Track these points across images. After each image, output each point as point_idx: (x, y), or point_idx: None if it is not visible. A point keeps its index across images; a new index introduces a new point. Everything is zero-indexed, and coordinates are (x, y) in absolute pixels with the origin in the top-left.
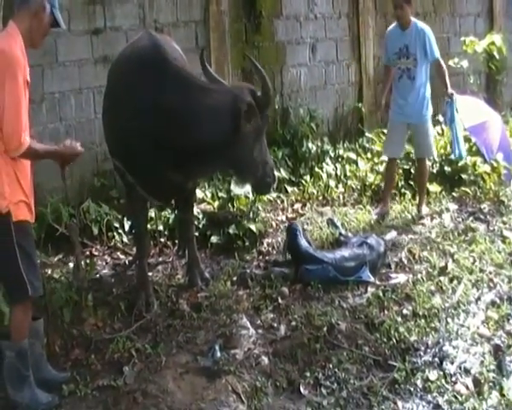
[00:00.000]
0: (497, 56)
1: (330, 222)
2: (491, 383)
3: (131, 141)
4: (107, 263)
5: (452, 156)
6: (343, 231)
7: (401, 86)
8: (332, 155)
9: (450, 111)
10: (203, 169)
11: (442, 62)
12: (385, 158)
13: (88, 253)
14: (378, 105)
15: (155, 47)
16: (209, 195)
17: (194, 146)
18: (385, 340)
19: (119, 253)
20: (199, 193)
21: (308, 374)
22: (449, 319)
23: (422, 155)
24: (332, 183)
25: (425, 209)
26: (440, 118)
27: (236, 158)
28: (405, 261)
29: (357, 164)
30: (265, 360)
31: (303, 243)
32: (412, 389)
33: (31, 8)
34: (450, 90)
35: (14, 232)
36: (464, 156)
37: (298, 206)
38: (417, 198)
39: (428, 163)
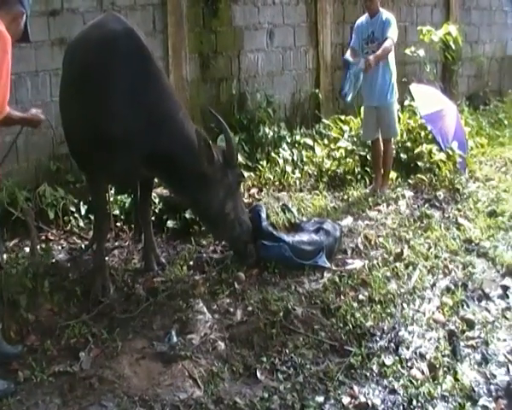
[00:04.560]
0: (453, 47)
1: (285, 207)
2: (445, 368)
3: (102, 132)
4: (63, 248)
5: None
6: (297, 216)
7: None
8: (289, 140)
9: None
10: (168, 182)
11: (389, 43)
12: (342, 144)
13: (44, 237)
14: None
15: (132, 36)
16: None
17: (160, 153)
18: (341, 325)
19: (75, 237)
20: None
21: (264, 359)
22: (404, 305)
23: (387, 136)
24: (288, 168)
25: (387, 190)
26: (406, 102)
27: (205, 206)
28: (361, 247)
29: (313, 150)
30: (222, 345)
31: (263, 220)
32: (368, 374)
33: (12, 10)
34: (369, 57)
35: None
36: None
37: (254, 191)
38: (375, 180)
39: (393, 146)
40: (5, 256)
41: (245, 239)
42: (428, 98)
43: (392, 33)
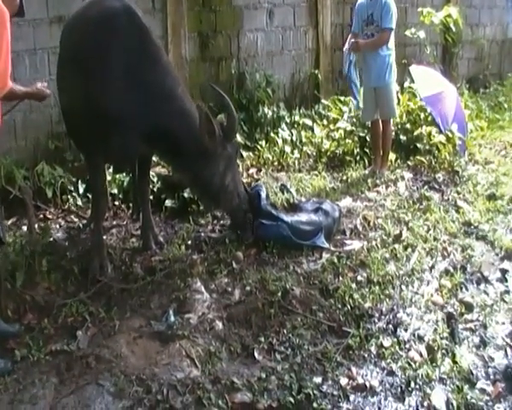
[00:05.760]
0: (454, 29)
1: (284, 188)
2: (443, 351)
3: (100, 109)
4: (60, 226)
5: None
6: (296, 196)
7: (367, 51)
8: (288, 120)
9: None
10: (168, 159)
11: (386, 35)
12: (341, 125)
13: (42, 216)
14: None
15: (129, 13)
16: None
17: (159, 130)
18: (339, 306)
19: (73, 216)
20: (153, 156)
21: (262, 339)
22: (403, 287)
23: (386, 116)
24: (287, 148)
25: (386, 172)
26: (405, 84)
27: (206, 180)
28: (360, 228)
29: (312, 130)
30: (219, 324)
31: (263, 200)
32: (366, 355)
33: None
34: (359, 41)
35: None
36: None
37: (253, 171)
38: (374, 161)
39: (392, 127)
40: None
41: (244, 208)
42: (428, 80)
43: (390, 22)
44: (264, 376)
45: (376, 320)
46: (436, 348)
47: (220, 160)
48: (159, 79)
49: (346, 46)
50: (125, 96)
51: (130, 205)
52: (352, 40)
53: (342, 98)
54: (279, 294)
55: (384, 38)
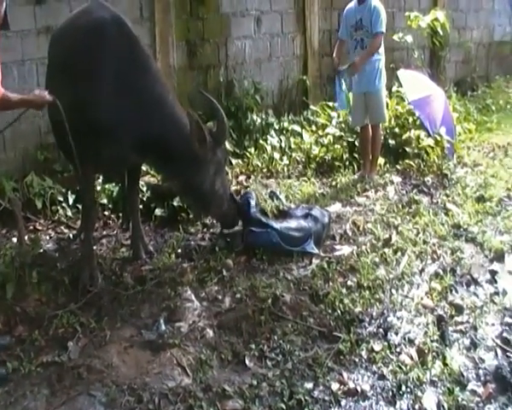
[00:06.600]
0: (441, 32)
1: (273, 194)
2: (434, 353)
3: (91, 119)
4: (50, 237)
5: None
6: (286, 203)
7: (356, 57)
8: (276, 127)
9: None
10: (159, 167)
11: (379, 40)
12: (330, 131)
13: (31, 227)
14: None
15: (119, 23)
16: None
17: (151, 138)
18: (329, 311)
19: (62, 227)
20: (143, 165)
21: (253, 346)
22: (393, 291)
23: (376, 121)
24: (276, 155)
25: (375, 176)
26: (393, 88)
27: (197, 186)
28: (350, 233)
29: (301, 136)
30: (210, 332)
31: (252, 207)
32: (357, 359)
33: None
34: (356, 61)
35: None
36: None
37: (242, 178)
38: (363, 166)
39: (381, 132)
40: None
41: (233, 212)
42: (416, 84)
43: (381, 26)
44: (255, 383)
45: (367, 325)
46: (427, 351)
47: (210, 165)
48: (149, 87)
49: (338, 66)
50: (116, 106)
51: (120, 215)
52: (348, 64)
53: (331, 104)
54: (269, 300)
55: (376, 43)
